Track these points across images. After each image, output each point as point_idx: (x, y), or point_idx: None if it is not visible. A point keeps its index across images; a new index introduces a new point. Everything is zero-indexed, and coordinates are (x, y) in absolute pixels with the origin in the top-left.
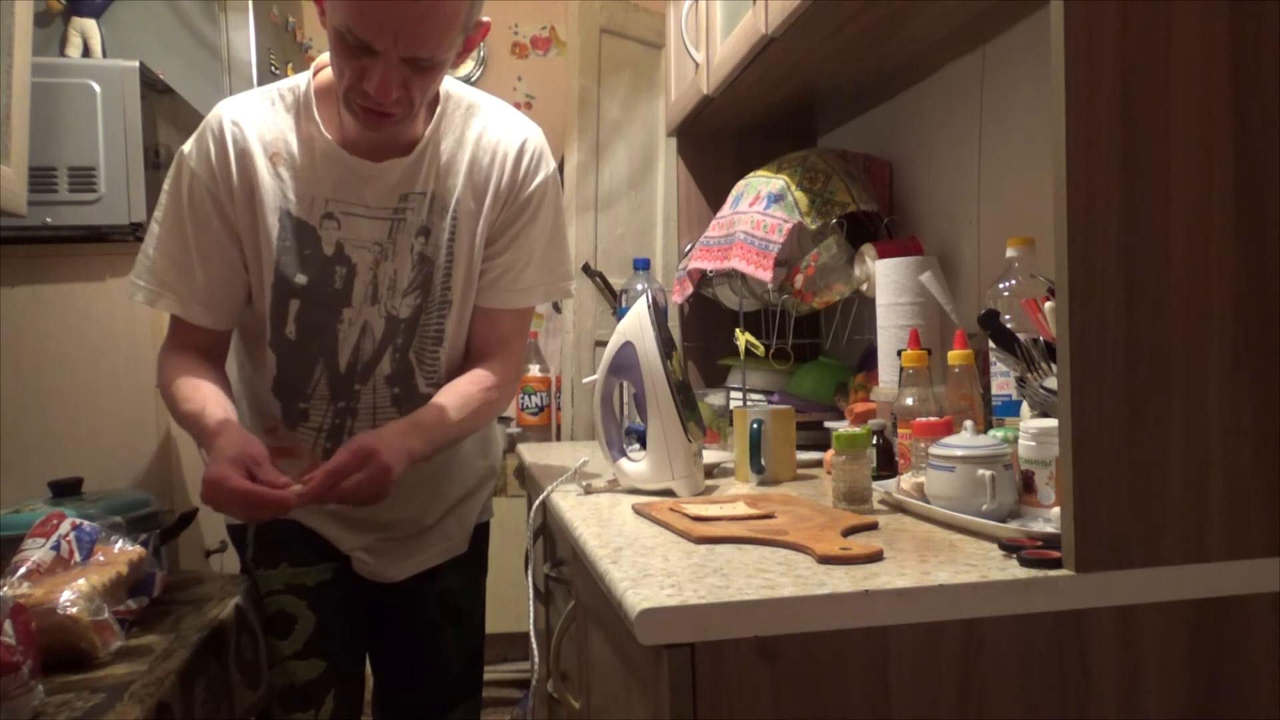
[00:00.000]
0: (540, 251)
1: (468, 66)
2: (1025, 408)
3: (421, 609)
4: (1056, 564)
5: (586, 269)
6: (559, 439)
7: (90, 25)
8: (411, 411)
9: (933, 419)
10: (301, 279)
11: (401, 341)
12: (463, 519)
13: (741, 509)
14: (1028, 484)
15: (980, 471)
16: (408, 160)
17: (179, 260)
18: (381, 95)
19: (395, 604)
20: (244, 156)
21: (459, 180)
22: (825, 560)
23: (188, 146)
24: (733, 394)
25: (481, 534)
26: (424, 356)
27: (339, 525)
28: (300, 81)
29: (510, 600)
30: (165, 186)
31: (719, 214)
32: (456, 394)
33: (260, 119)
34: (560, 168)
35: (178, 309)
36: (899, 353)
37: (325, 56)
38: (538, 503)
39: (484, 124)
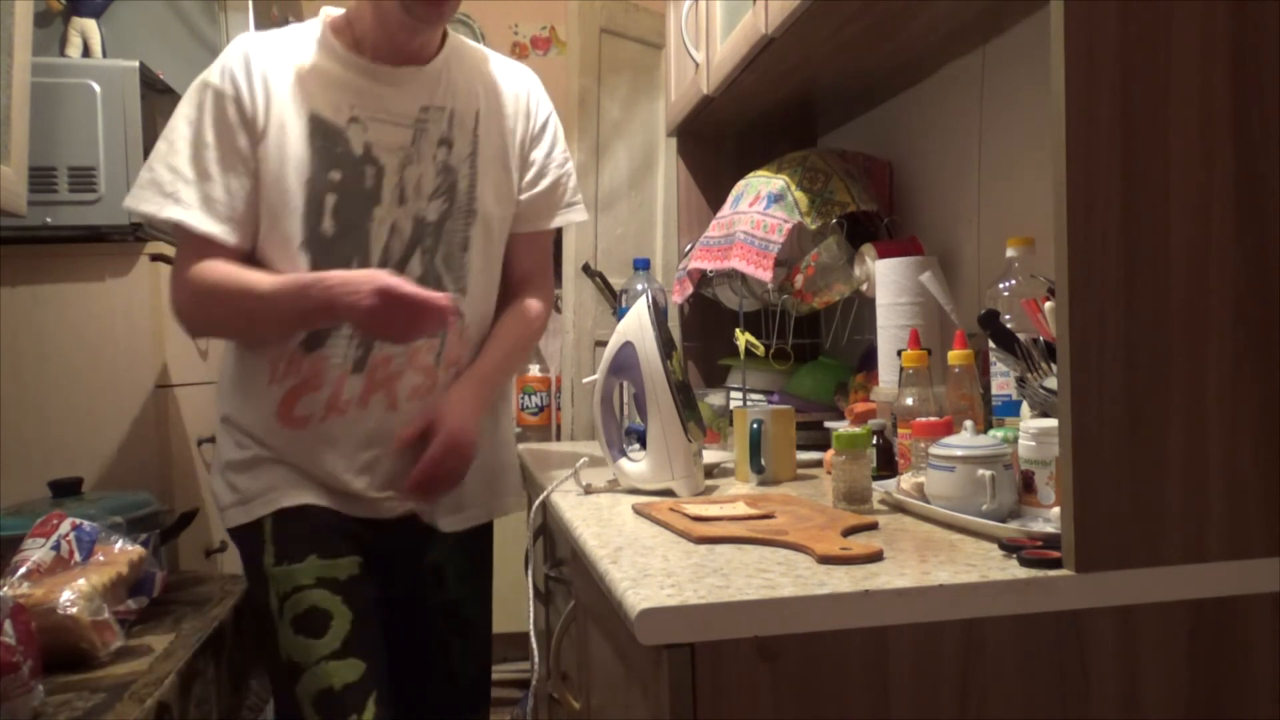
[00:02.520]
0: (570, 172)
1: None
2: (1025, 408)
3: (428, 621)
4: (1056, 564)
5: (586, 269)
6: (559, 439)
7: (90, 25)
8: (444, 339)
9: (933, 419)
10: (335, 174)
11: (429, 244)
12: (507, 468)
13: (741, 509)
14: (1028, 484)
15: (980, 471)
16: (427, 70)
17: (198, 175)
18: None
19: (402, 615)
20: (268, 70)
21: (478, 102)
22: (825, 560)
23: (206, 74)
24: (733, 394)
25: (487, 536)
26: (451, 263)
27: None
28: (310, 21)
29: (510, 600)
30: (179, 112)
31: (719, 214)
32: (507, 333)
33: (280, 42)
34: None
35: (184, 216)
36: (899, 353)
37: (328, 8)
38: (538, 503)
39: (488, 57)
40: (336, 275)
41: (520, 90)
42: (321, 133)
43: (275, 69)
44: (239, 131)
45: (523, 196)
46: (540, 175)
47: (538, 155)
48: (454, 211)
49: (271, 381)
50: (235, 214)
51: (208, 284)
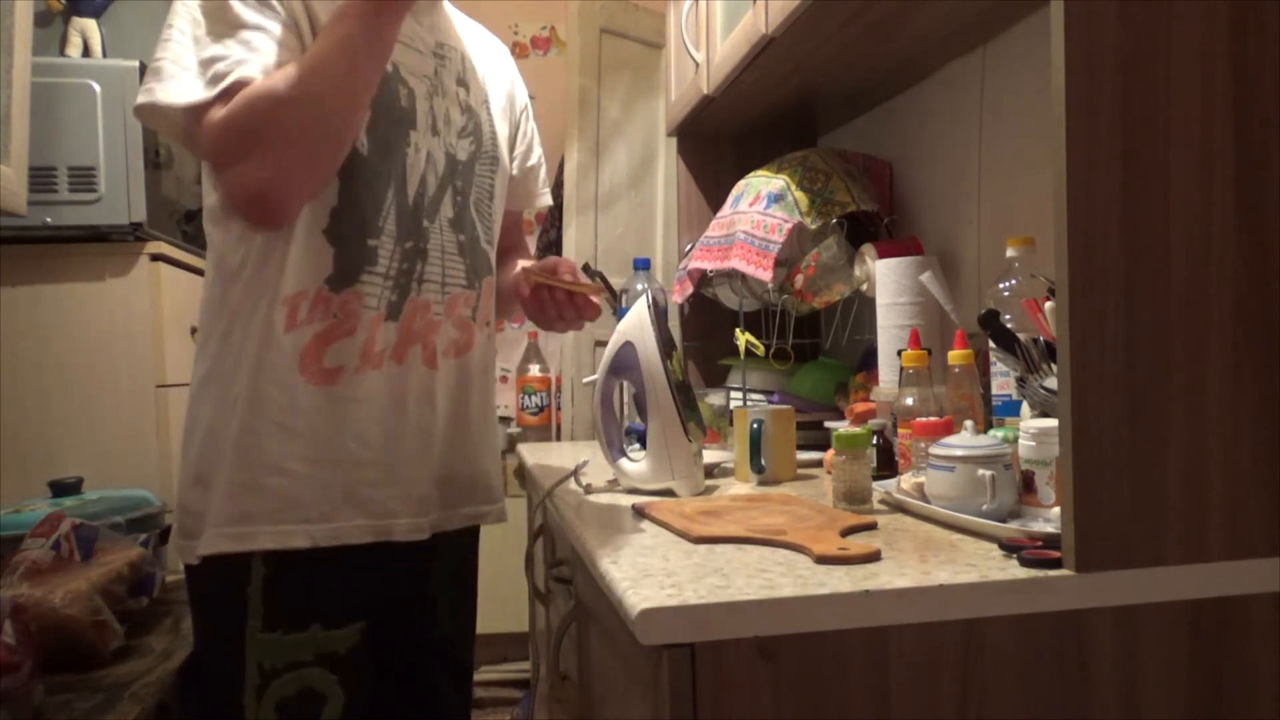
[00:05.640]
0: (541, 155)
1: None
2: (1025, 408)
3: (419, 661)
4: (1056, 564)
5: (586, 269)
6: (559, 439)
7: (90, 25)
8: (475, 265)
9: (933, 419)
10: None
11: (461, 185)
12: (496, 471)
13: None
14: (1028, 484)
15: (980, 471)
16: (439, 6)
17: (238, 42)
18: None
19: (392, 653)
20: None
21: (483, 57)
22: (823, 560)
23: None
24: (733, 394)
25: (474, 568)
26: (481, 210)
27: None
28: None
29: (510, 600)
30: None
31: (719, 214)
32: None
33: None
34: (560, 168)
35: (243, 72)
36: (899, 353)
37: None
38: (538, 503)
39: (476, 25)
40: None
41: (509, 60)
42: None
43: None
44: (277, 24)
45: (515, 170)
46: (530, 150)
47: (529, 130)
48: (481, 155)
49: (291, 328)
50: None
51: (264, 85)
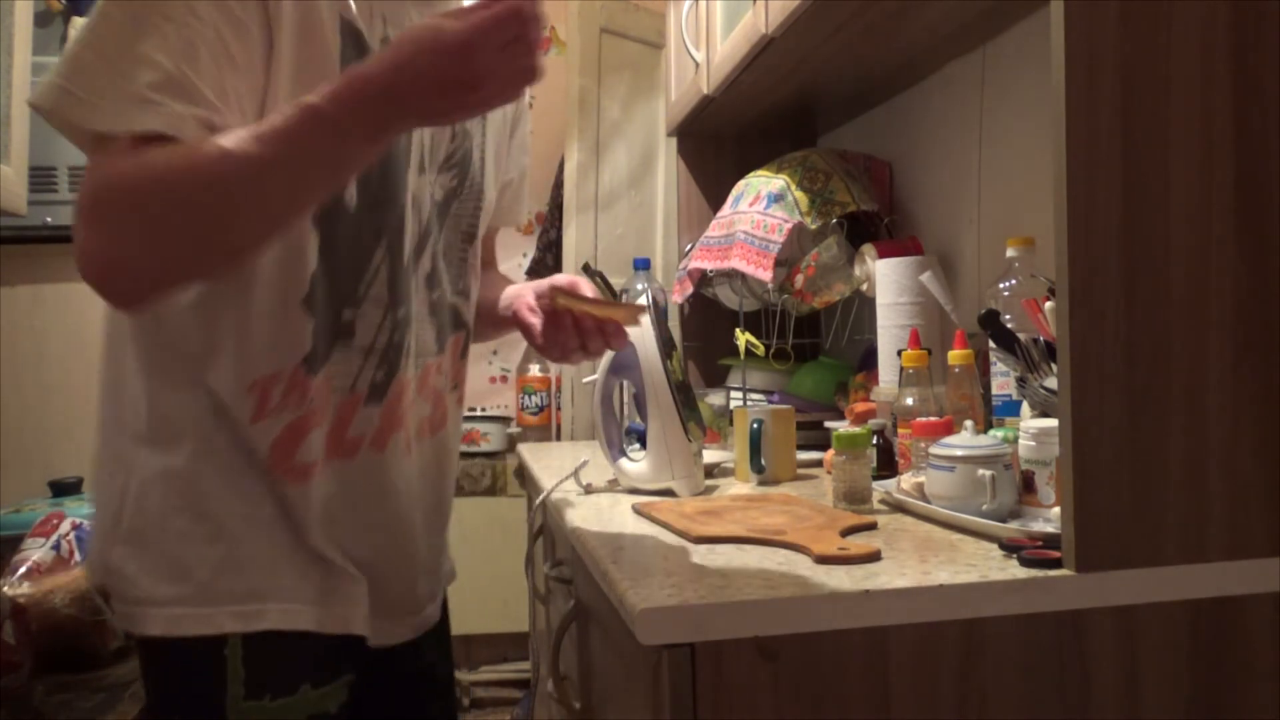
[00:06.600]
0: (525, 166)
1: None
2: (1025, 408)
3: (406, 689)
4: (1056, 564)
5: (586, 269)
6: (559, 439)
7: None
8: (442, 324)
9: (933, 419)
10: None
11: (435, 231)
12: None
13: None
14: (1028, 484)
15: (980, 471)
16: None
17: (181, 67)
18: None
19: (379, 686)
20: None
21: None
22: (822, 560)
23: None
24: (733, 394)
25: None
26: (451, 256)
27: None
28: None
29: (510, 600)
30: None
31: (719, 214)
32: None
33: None
34: (560, 168)
35: (170, 127)
36: (899, 353)
37: None
38: (538, 503)
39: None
40: (381, 64)
41: None
42: (355, 49)
43: None
44: (251, 8)
45: (502, 181)
46: (512, 165)
47: (521, 131)
48: (464, 190)
49: (259, 416)
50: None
51: (164, 160)
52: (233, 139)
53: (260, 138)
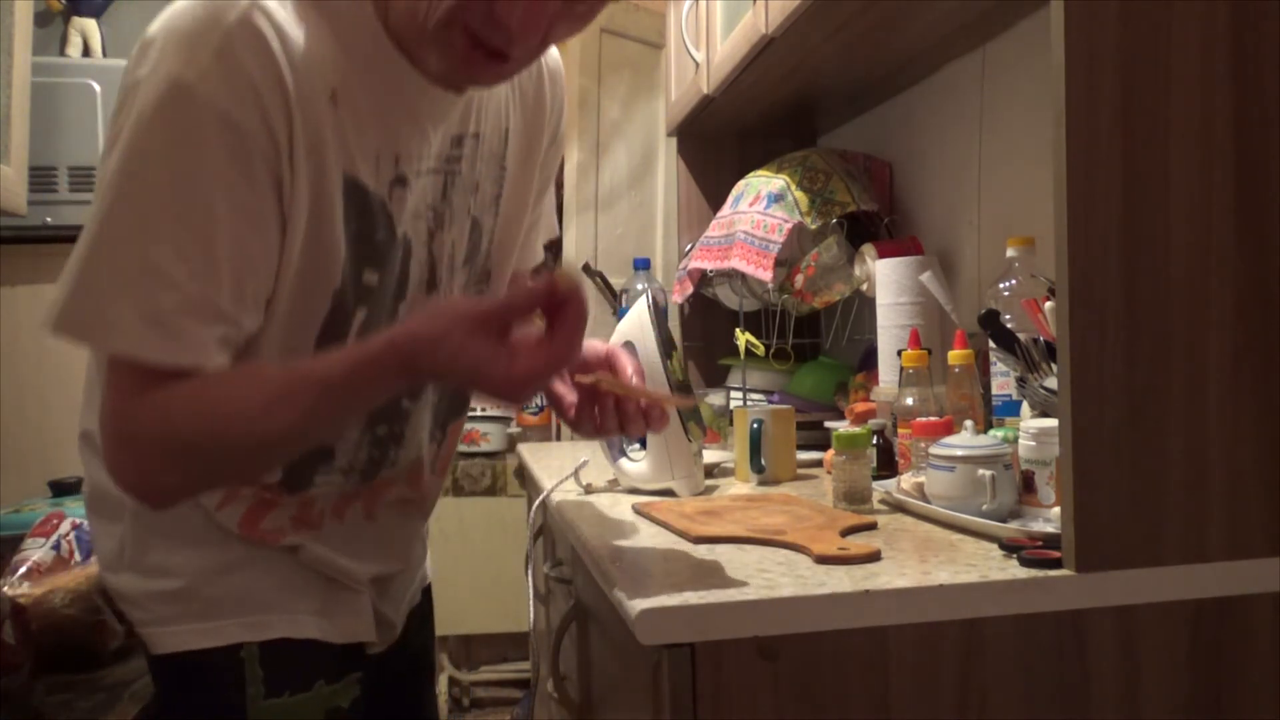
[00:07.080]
0: (547, 206)
1: None
2: (1025, 408)
3: (401, 674)
4: (1056, 564)
5: (586, 269)
6: (559, 439)
7: (90, 25)
8: (440, 413)
9: (933, 419)
10: (372, 278)
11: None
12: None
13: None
14: (1028, 484)
15: (980, 471)
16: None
17: (205, 282)
18: (526, 29)
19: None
20: (302, 84)
21: (509, 116)
22: (822, 560)
23: (188, 71)
24: (733, 394)
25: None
26: None
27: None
28: None
29: (510, 600)
30: (133, 144)
31: (719, 214)
32: None
33: (301, 29)
34: (560, 168)
35: (197, 359)
36: (899, 353)
37: None
38: (538, 503)
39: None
40: (408, 330)
41: (551, 76)
42: (358, 208)
43: (310, 83)
44: (266, 193)
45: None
46: (544, 188)
47: (547, 172)
48: (468, 283)
49: (224, 505)
50: (243, 328)
51: (194, 412)
52: (271, 393)
53: (295, 400)
